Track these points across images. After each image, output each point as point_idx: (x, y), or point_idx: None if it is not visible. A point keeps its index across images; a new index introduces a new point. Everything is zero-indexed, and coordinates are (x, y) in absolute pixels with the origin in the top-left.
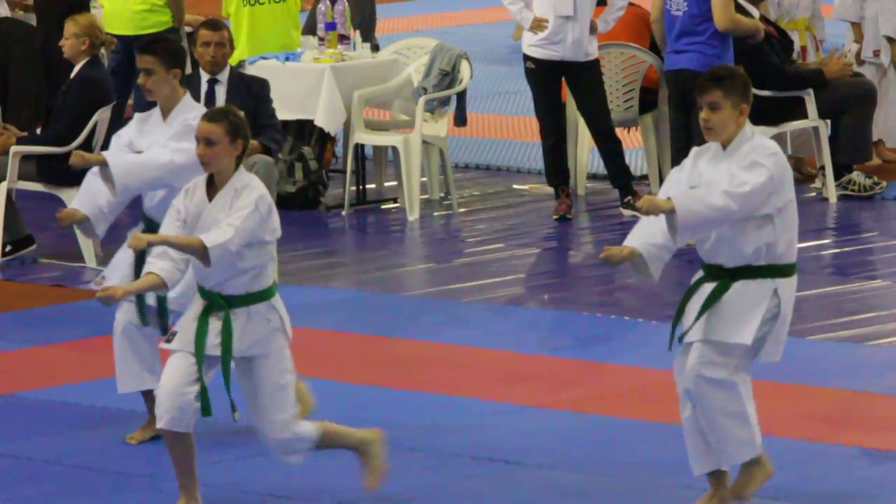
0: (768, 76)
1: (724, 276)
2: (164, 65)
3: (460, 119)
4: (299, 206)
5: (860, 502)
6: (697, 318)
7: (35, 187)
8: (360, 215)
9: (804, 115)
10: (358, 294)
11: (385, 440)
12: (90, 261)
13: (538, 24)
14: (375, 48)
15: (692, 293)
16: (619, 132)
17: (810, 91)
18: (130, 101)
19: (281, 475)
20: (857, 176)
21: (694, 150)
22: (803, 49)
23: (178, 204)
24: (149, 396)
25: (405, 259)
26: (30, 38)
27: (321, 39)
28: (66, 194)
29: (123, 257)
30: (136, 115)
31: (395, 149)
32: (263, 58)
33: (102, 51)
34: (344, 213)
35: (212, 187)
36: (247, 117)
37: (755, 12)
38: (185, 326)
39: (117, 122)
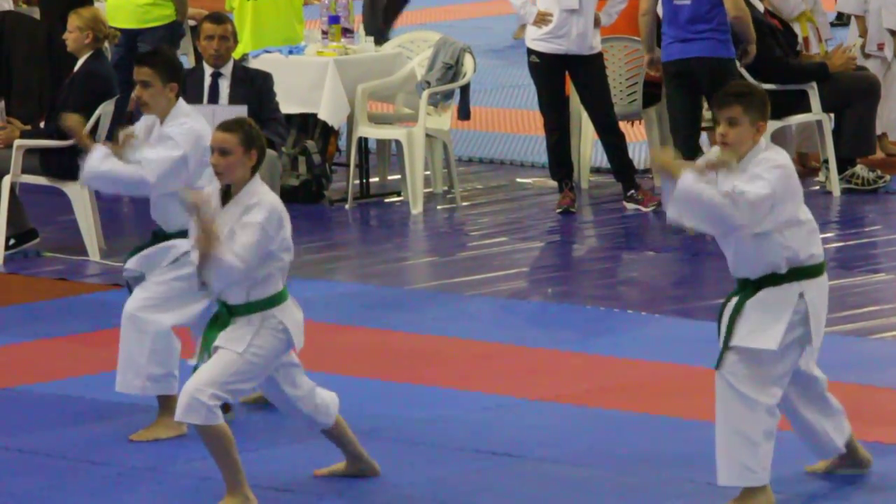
0: (772, 69)
1: (750, 287)
2: (162, 78)
3: (464, 112)
4: (303, 199)
5: (864, 495)
6: (729, 329)
7: (39, 181)
8: (364, 209)
9: (808, 109)
10: (361, 287)
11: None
12: (94, 254)
13: (542, 18)
14: (385, 39)
15: (724, 306)
16: (623, 126)
17: (814, 84)
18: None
19: (283, 469)
20: (860, 169)
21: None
22: (805, 40)
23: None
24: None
25: (409, 253)
26: (33, 32)
27: (324, 33)
28: (69, 188)
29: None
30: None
31: (398, 142)
32: (267, 51)
33: (106, 44)
34: (347, 206)
35: (227, 193)
36: (250, 111)
37: (760, 6)
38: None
39: (120, 115)
